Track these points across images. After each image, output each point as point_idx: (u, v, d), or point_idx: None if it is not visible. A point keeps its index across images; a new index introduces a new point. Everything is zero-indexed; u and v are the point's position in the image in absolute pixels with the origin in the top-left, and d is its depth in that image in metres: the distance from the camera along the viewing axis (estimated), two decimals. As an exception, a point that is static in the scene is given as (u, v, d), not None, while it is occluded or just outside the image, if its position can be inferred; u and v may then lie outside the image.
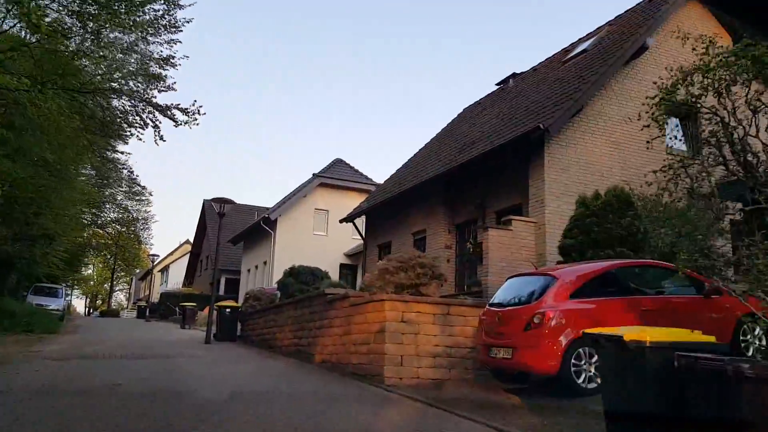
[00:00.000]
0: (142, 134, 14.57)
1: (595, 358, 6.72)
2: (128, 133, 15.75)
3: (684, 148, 15.32)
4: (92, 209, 40.40)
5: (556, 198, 13.03)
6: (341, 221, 23.78)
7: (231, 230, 45.13)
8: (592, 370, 6.70)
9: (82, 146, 15.97)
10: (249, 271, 35.75)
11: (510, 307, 7.35)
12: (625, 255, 9.29)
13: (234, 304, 18.19)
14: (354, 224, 22.44)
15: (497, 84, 23.38)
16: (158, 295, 72.32)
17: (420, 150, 23.05)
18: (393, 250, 19.27)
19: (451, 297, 10.00)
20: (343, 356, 9.86)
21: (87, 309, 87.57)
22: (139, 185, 40.21)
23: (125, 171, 39.47)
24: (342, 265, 32.11)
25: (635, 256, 9.26)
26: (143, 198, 39.94)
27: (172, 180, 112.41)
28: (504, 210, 14.74)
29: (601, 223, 9.73)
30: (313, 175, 32.27)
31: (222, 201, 16.28)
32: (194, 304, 25.58)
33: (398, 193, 18.93)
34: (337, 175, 32.73)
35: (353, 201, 32.57)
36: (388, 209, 19.87)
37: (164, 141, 15.77)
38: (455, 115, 24.64)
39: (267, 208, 46.98)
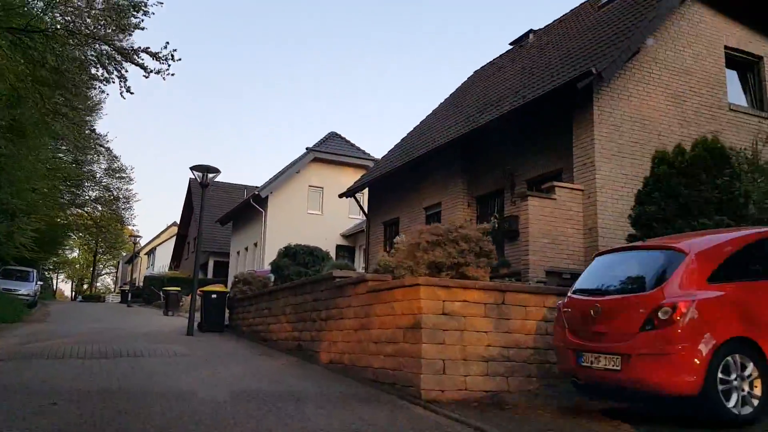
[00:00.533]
0: (104, 86, 12.17)
1: (749, 368, 4.56)
2: (89, 85, 13.32)
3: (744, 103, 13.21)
4: (70, 187, 37.89)
5: (607, 161, 10.82)
6: (341, 196, 21.52)
7: (219, 210, 42.79)
8: (747, 389, 4.53)
9: (40, 106, 13.54)
10: (239, 253, 33.44)
11: (614, 296, 5.15)
12: (725, 224, 7.13)
13: (221, 288, 15.93)
14: (355, 199, 20.18)
15: (512, 43, 21.05)
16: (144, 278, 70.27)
17: (427, 117, 20.71)
18: (401, 228, 17.04)
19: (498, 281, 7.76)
20: (359, 357, 7.65)
21: (73, 293, 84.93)
22: (119, 161, 37.68)
23: (103, 148, 37.03)
24: (339, 247, 29.93)
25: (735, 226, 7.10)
26: (124, 176, 37.37)
27: (158, 159, 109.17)
28: (539, 178, 12.52)
29: (691, 185, 7.52)
30: (307, 149, 29.88)
31: (205, 169, 13.93)
32: (178, 288, 23.29)
33: (406, 163, 16.65)
34: (332, 150, 30.36)
35: (350, 177, 30.27)
36: (395, 182, 17.61)
37: (132, 93, 13.34)
38: (462, 82, 22.27)
39: (257, 187, 44.71)
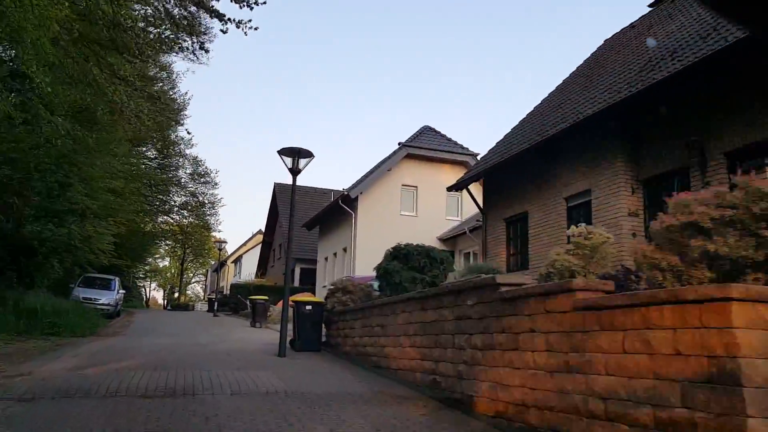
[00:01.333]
0: (181, 43, 9.80)
1: None
2: (156, 47, 11.05)
3: None
4: (158, 194, 37.03)
5: None
6: (450, 189, 18.51)
7: (304, 215, 40.84)
8: None
9: (96, 74, 11.35)
10: (326, 259, 31.13)
11: None
12: None
13: (314, 298, 13.31)
14: (468, 192, 17.11)
15: (651, 5, 17.45)
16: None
17: (550, 95, 17.38)
18: (531, 224, 13.85)
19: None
20: (564, 419, 4.58)
21: (165, 301, 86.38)
22: (203, 165, 36.45)
23: (188, 150, 35.92)
24: (437, 251, 26.88)
25: None
26: (209, 180, 36.08)
27: (242, 165, 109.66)
28: (744, 149, 9.08)
29: None
30: (399, 144, 27.09)
31: (296, 152, 11.33)
32: (266, 297, 21.05)
33: (535, 145, 13.46)
34: (426, 145, 27.44)
35: (447, 175, 27.33)
36: (519, 169, 14.44)
37: (206, 51, 10.96)
38: (591, 54, 18.77)
39: (344, 190, 42.49)
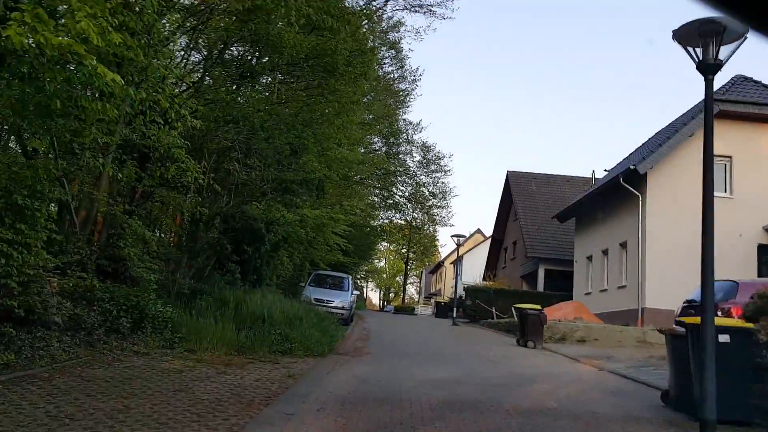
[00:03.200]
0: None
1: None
2: None
3: None
4: (382, 186, 33.80)
5: None
6: None
7: (545, 209, 34.80)
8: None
9: None
10: (589, 258, 24.74)
11: None
12: None
13: (738, 323, 7.43)
14: None
15: None
16: (451, 290, 66.01)
17: None
18: None
19: None
20: None
21: (381, 302, 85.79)
22: (434, 150, 32.32)
23: (416, 135, 32.12)
24: (762, 248, 19.20)
25: None
26: (442, 164, 31.84)
27: (463, 157, 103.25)
28: None
29: None
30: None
31: (708, 30, 5.63)
32: (538, 307, 15.56)
33: None
34: (745, 98, 19.78)
35: (776, 139, 19.54)
36: None
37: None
38: None
39: (589, 179, 35.51)
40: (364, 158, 23.69)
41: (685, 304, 9.83)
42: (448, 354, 12.26)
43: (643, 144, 24.54)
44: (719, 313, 8.80)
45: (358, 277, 56.92)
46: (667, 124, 23.34)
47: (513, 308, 16.36)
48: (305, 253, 17.77)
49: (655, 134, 23.77)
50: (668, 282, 18.80)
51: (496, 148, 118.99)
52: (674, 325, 10.15)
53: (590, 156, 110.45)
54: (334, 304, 17.93)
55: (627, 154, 25.98)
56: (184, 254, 10.90)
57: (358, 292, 25.16)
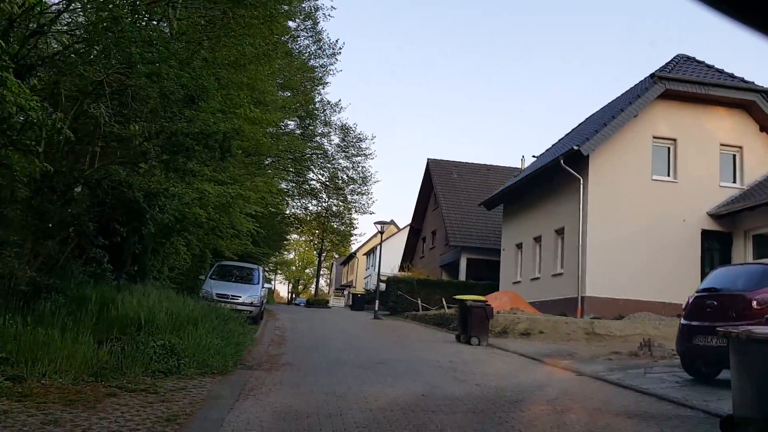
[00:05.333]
0: None
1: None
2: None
3: None
4: (297, 170, 30.81)
5: None
6: None
7: (467, 198, 33.28)
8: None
9: None
10: (518, 246, 23.14)
11: None
12: None
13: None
14: None
15: None
16: (364, 281, 63.73)
17: None
18: None
19: None
20: None
21: (290, 295, 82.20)
22: (354, 131, 29.73)
23: (334, 116, 29.50)
24: (705, 233, 18.20)
25: None
26: (363, 147, 29.35)
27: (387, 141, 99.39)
28: None
29: None
30: (652, 77, 18.42)
31: None
32: (484, 299, 13.48)
33: None
34: (690, 78, 18.63)
35: (720, 123, 18.64)
36: None
37: None
38: None
39: (515, 168, 34.27)
40: (277, 137, 20.77)
41: (700, 294, 7.88)
42: (388, 360, 9.78)
43: (578, 126, 23.22)
44: (755, 305, 6.89)
45: (267, 269, 53.45)
46: (607, 103, 22.09)
47: (456, 299, 14.17)
48: (207, 240, 14.67)
49: (593, 114, 22.49)
50: (609, 269, 17.44)
51: (413, 139, 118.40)
52: (681, 321, 8.25)
53: (509, 148, 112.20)
54: (240, 300, 15.05)
55: (556, 140, 24.61)
56: (28, 236, 7.75)
57: (269, 286, 22.19)
